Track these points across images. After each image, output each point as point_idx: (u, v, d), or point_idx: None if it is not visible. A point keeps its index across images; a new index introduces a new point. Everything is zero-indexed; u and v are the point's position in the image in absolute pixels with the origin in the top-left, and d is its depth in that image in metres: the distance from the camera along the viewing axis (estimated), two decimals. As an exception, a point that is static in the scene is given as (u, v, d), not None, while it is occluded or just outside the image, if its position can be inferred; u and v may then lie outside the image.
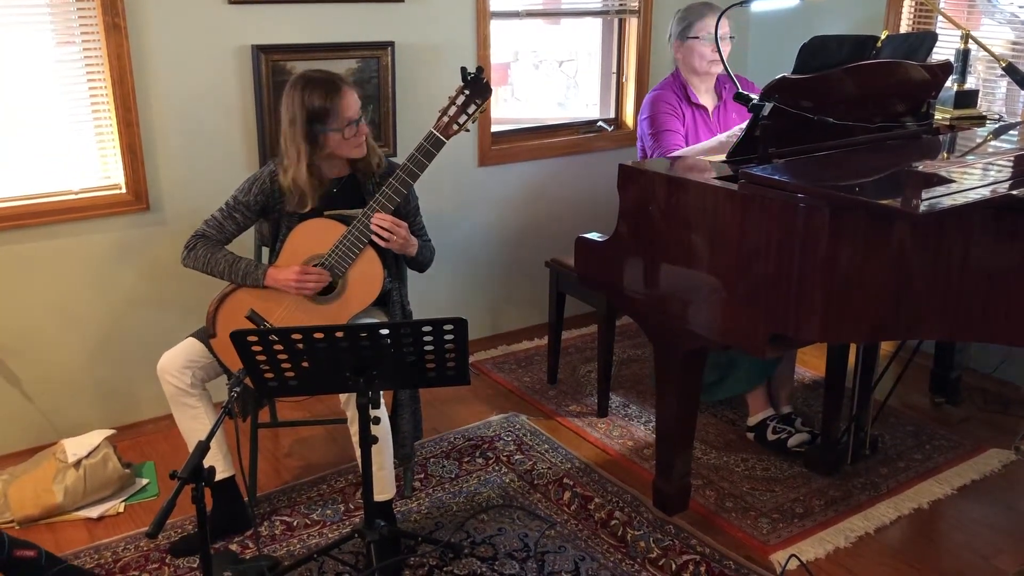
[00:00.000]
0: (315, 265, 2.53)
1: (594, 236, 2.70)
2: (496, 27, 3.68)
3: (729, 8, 2.95)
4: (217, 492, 2.63)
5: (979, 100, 3.14)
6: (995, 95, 3.57)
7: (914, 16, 3.77)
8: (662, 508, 2.78)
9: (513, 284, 4.04)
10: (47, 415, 3.10)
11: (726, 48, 3.16)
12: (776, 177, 2.22)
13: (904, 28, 3.77)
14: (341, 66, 3.24)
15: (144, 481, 2.95)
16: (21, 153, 2.91)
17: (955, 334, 2.20)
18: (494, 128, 3.82)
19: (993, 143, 2.76)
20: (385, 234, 2.52)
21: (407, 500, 2.85)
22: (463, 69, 2.57)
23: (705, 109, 3.26)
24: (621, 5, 4.03)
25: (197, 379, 2.55)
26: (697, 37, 3.16)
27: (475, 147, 3.74)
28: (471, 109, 2.57)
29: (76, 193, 3.00)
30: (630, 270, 2.58)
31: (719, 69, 3.19)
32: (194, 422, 2.55)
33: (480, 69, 2.58)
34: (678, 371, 2.62)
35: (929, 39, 2.76)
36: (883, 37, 2.58)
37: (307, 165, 2.53)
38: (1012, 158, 2.44)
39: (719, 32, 2.89)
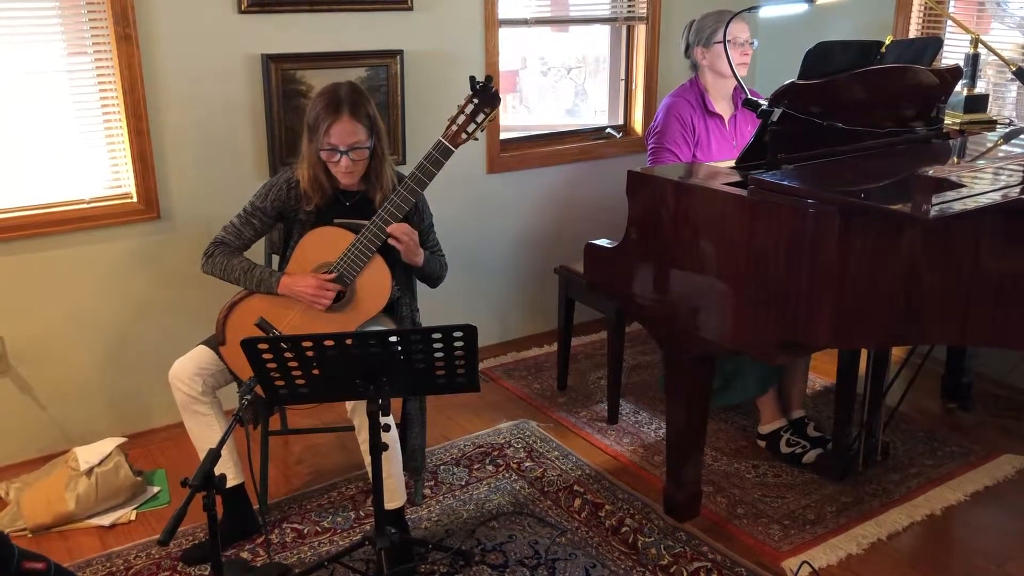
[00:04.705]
0: (324, 272, 2.54)
1: (603, 242, 2.70)
2: (504, 35, 3.69)
3: (745, 11, 2.99)
4: (227, 500, 2.64)
5: (989, 104, 3.13)
6: (1005, 99, 3.56)
7: (923, 21, 3.76)
8: (673, 515, 2.77)
9: (522, 291, 4.04)
10: (59, 423, 3.11)
11: (748, 52, 3.19)
12: (785, 183, 2.22)
13: (913, 33, 3.77)
14: (351, 74, 3.25)
15: (155, 489, 2.96)
16: (33, 163, 2.93)
17: (966, 339, 2.19)
18: (503, 135, 3.83)
19: (1004, 147, 2.75)
20: (402, 236, 2.52)
21: (417, 507, 2.85)
22: (472, 78, 2.58)
23: (721, 118, 3.26)
24: (629, 12, 4.03)
25: (208, 386, 2.56)
26: (730, 40, 3.14)
27: (484, 154, 3.75)
28: (480, 118, 2.57)
29: (87, 202, 3.01)
30: (639, 276, 2.57)
31: (744, 71, 3.20)
32: (205, 429, 2.56)
33: (489, 78, 2.59)
34: (688, 377, 2.62)
35: (933, 44, 2.76)
36: (887, 42, 2.58)
37: (309, 167, 2.55)
38: (1023, 162, 2.43)
39: (744, 36, 3.12)
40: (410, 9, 3.40)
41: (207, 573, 2.54)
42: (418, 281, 2.84)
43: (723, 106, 3.28)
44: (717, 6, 3.34)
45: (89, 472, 2.78)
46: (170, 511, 2.65)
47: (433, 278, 2.76)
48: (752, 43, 3.20)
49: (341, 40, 3.29)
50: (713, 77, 3.24)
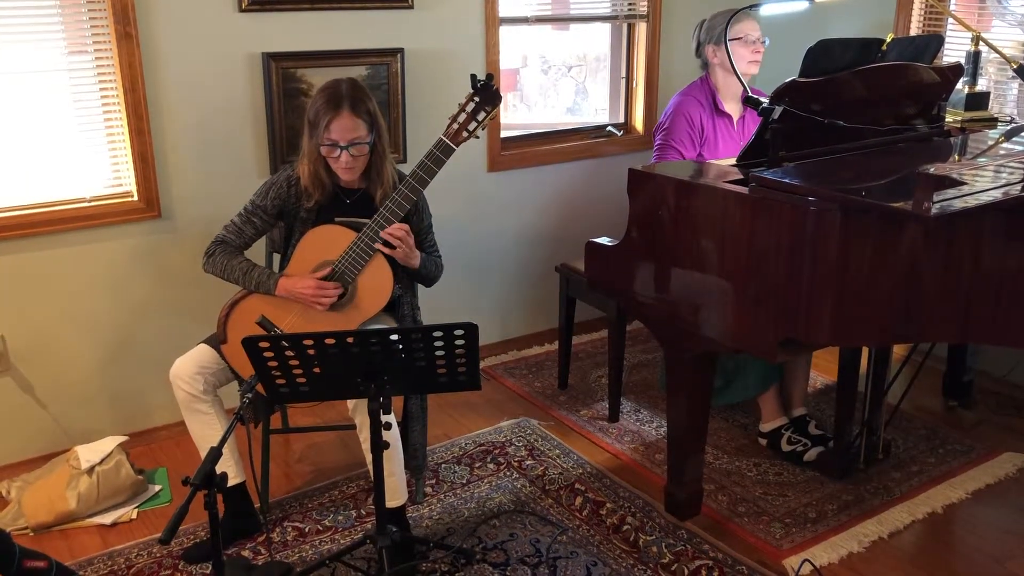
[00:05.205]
0: (325, 273, 2.54)
1: (604, 241, 2.70)
2: (505, 33, 3.69)
3: (747, 8, 2.98)
4: (228, 498, 2.64)
5: (990, 102, 3.13)
6: (1006, 97, 3.56)
7: (924, 19, 3.76)
8: (674, 513, 2.77)
9: (523, 289, 4.04)
10: (60, 422, 3.11)
11: (760, 50, 3.18)
12: (786, 180, 2.22)
13: (914, 31, 3.76)
14: (351, 73, 3.25)
15: (157, 487, 2.96)
16: (33, 162, 2.93)
17: (967, 337, 2.19)
18: (504, 134, 3.83)
19: (1005, 145, 2.75)
20: (396, 242, 2.52)
21: (419, 505, 2.85)
22: (473, 76, 2.58)
23: (730, 117, 3.25)
24: (630, 10, 4.03)
25: (209, 385, 2.56)
26: (741, 38, 3.14)
27: (485, 153, 3.75)
28: (481, 116, 2.57)
29: (88, 201, 3.01)
30: (640, 274, 2.57)
31: (756, 69, 3.19)
32: (206, 428, 2.56)
33: (490, 76, 2.58)
34: (689, 375, 2.62)
35: (935, 42, 2.76)
36: (888, 40, 2.58)
37: (310, 163, 2.55)
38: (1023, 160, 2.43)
39: (755, 34, 3.11)
40: (411, 7, 3.40)
41: (208, 572, 2.54)
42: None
43: (732, 106, 3.27)
44: (717, 4, 3.34)
45: (90, 471, 2.78)
46: (171, 510, 2.66)
47: (428, 279, 2.76)
48: (764, 41, 3.19)
49: (342, 38, 3.29)
50: (724, 76, 3.23)
